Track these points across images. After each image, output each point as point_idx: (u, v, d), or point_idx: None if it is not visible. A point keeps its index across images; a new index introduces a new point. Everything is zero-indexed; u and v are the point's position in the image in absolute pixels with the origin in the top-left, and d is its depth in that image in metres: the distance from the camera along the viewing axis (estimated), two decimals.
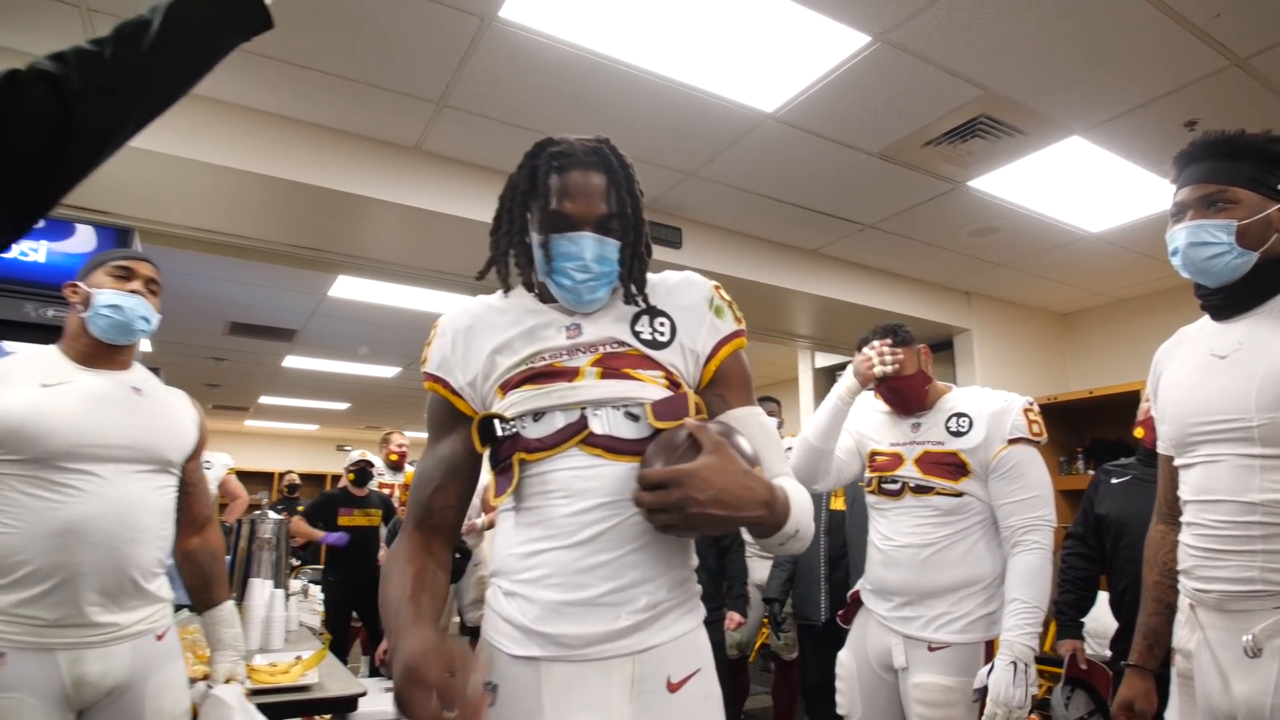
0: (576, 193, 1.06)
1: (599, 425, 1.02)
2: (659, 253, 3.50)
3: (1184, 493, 1.33)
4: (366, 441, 10.51)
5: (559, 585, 0.99)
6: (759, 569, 3.56)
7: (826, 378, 6.02)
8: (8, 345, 2.29)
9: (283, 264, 3.83)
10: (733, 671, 3.53)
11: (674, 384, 1.06)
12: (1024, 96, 2.81)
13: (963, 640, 1.81)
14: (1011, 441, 1.87)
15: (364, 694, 2.13)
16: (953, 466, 1.89)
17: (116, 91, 0.82)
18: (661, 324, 1.10)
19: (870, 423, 2.11)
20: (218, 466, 4.67)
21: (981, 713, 1.71)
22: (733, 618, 3.20)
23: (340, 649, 4.19)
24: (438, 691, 0.84)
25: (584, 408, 1.02)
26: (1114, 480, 2.43)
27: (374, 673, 3.81)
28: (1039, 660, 3.19)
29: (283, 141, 2.96)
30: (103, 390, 1.62)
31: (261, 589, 2.68)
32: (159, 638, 1.64)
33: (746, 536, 3.25)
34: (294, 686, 2.08)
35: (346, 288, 4.90)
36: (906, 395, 2.01)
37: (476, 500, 4.86)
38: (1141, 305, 5.00)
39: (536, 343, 1.08)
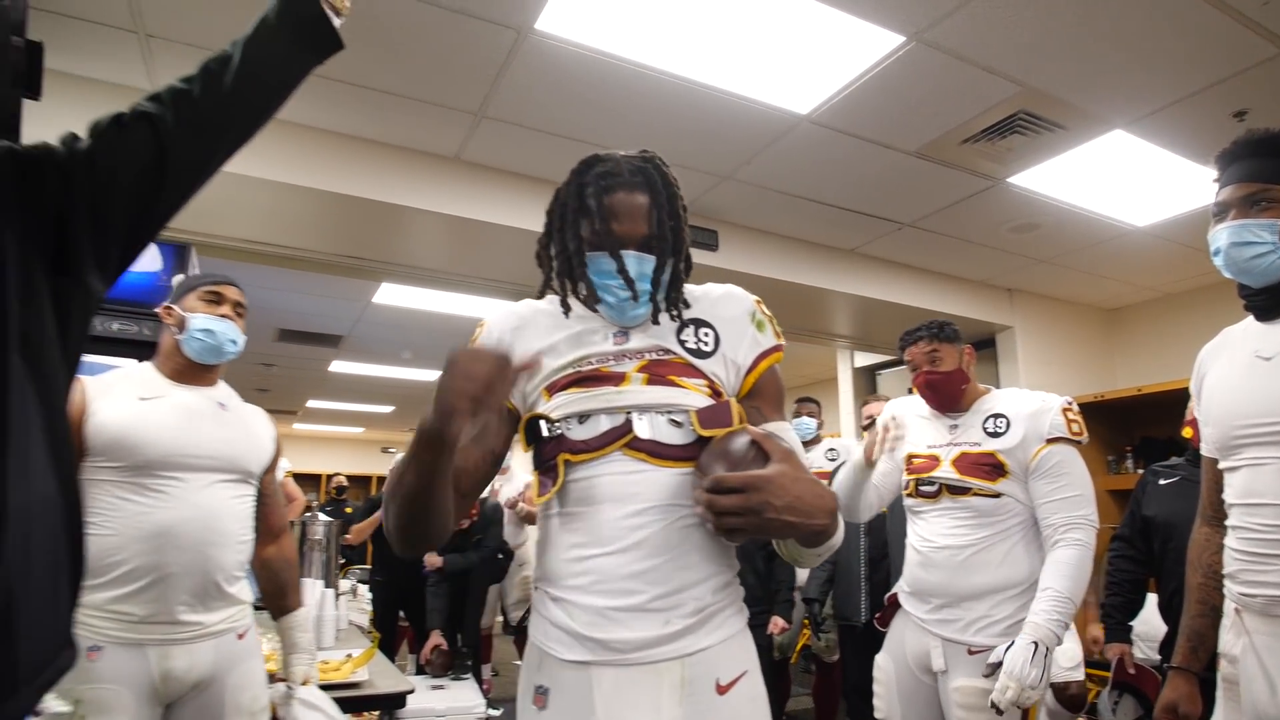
0: (622, 213, 1.09)
1: (644, 430, 1.04)
2: (695, 256, 3.52)
3: (1229, 496, 1.32)
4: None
5: (607, 591, 1.01)
6: (799, 571, 3.57)
7: (866, 377, 5.97)
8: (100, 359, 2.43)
9: (329, 273, 3.94)
10: (774, 672, 3.53)
11: (716, 393, 1.09)
12: (1063, 91, 2.77)
13: (1004, 643, 1.80)
14: (1050, 441, 1.85)
15: (411, 691, 2.19)
16: (990, 467, 1.88)
17: (206, 126, 0.89)
18: (706, 334, 1.13)
19: (907, 425, 2.10)
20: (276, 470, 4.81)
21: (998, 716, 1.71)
22: (776, 623, 3.20)
23: (388, 648, 4.30)
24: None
25: (629, 412, 1.05)
26: (1162, 481, 2.38)
27: (420, 671, 3.90)
28: (1089, 664, 3.14)
29: (329, 155, 3.05)
30: (193, 405, 1.74)
31: (313, 589, 2.77)
32: (240, 636, 1.74)
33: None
34: (344, 684, 2.15)
35: (390, 294, 5.02)
36: (942, 392, 2.00)
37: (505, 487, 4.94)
38: (1191, 300, 4.86)
39: (584, 347, 1.11)
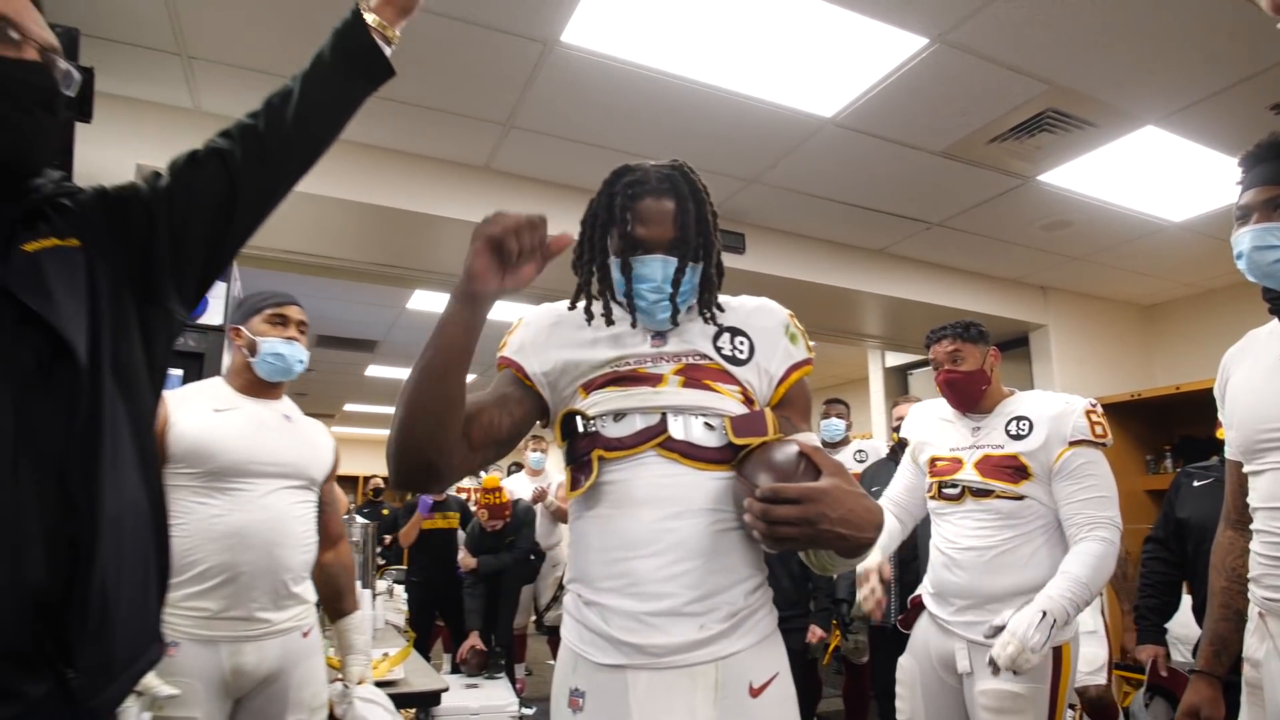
0: (649, 218, 1.12)
1: (678, 430, 1.06)
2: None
3: (1253, 500, 1.31)
4: None
5: (642, 594, 1.03)
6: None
7: (897, 377, 5.93)
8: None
9: (365, 281, 4.05)
10: (805, 673, 3.54)
11: (748, 400, 1.12)
12: (1092, 89, 2.74)
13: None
14: (1073, 444, 1.85)
15: (446, 689, 2.25)
16: (1013, 469, 1.88)
17: (271, 157, 0.96)
18: (741, 342, 1.15)
19: (930, 429, 2.11)
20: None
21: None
22: (815, 632, 3.19)
23: (423, 647, 4.38)
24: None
25: (664, 413, 1.07)
26: (1196, 483, 2.35)
27: (455, 670, 3.98)
28: (1120, 666, 3.10)
29: (364, 168, 3.14)
30: (262, 417, 1.86)
31: None
32: (304, 635, 1.84)
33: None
34: (381, 682, 2.21)
35: (423, 300, 5.14)
36: (962, 391, 2.01)
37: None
38: (1231, 295, 4.75)
39: (622, 348, 1.14)
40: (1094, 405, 1.91)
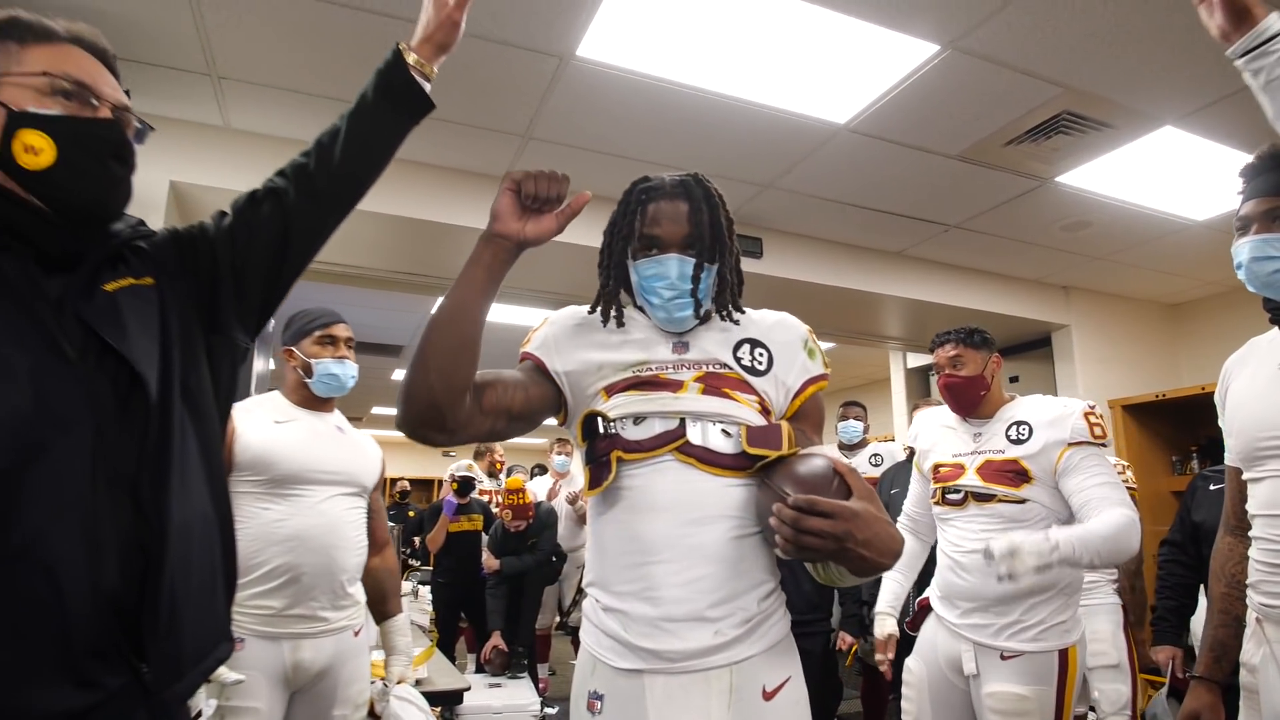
0: (662, 218, 1.18)
1: (695, 436, 1.10)
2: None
3: (1252, 507, 1.32)
4: (468, 448, 10.97)
5: (659, 599, 1.06)
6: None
7: (919, 378, 5.91)
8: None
9: (389, 289, 4.14)
10: (825, 674, 3.56)
11: (765, 410, 1.15)
12: (1107, 91, 2.74)
13: (1036, 649, 1.82)
14: (1073, 445, 1.87)
15: (468, 688, 2.32)
16: (1014, 474, 1.91)
17: (321, 193, 1.04)
18: (761, 354, 1.19)
19: (933, 436, 2.15)
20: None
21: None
22: (844, 639, 3.21)
23: (447, 647, 4.46)
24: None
25: (683, 418, 1.11)
26: (1212, 486, 2.34)
27: (479, 670, 4.06)
28: (1142, 670, 3.08)
29: (388, 180, 3.15)
30: (318, 429, 2.00)
31: None
32: (355, 634, 1.96)
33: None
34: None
35: None
36: (960, 396, 2.05)
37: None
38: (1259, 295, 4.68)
39: (644, 353, 1.18)
40: (1092, 407, 1.93)
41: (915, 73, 2.61)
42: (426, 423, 1.07)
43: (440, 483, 4.99)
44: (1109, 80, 2.67)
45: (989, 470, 1.94)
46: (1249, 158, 3.34)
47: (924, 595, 2.11)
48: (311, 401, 2.03)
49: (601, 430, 1.12)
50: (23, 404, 0.79)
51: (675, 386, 1.13)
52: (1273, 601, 1.26)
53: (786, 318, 1.25)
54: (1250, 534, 1.34)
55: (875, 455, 3.87)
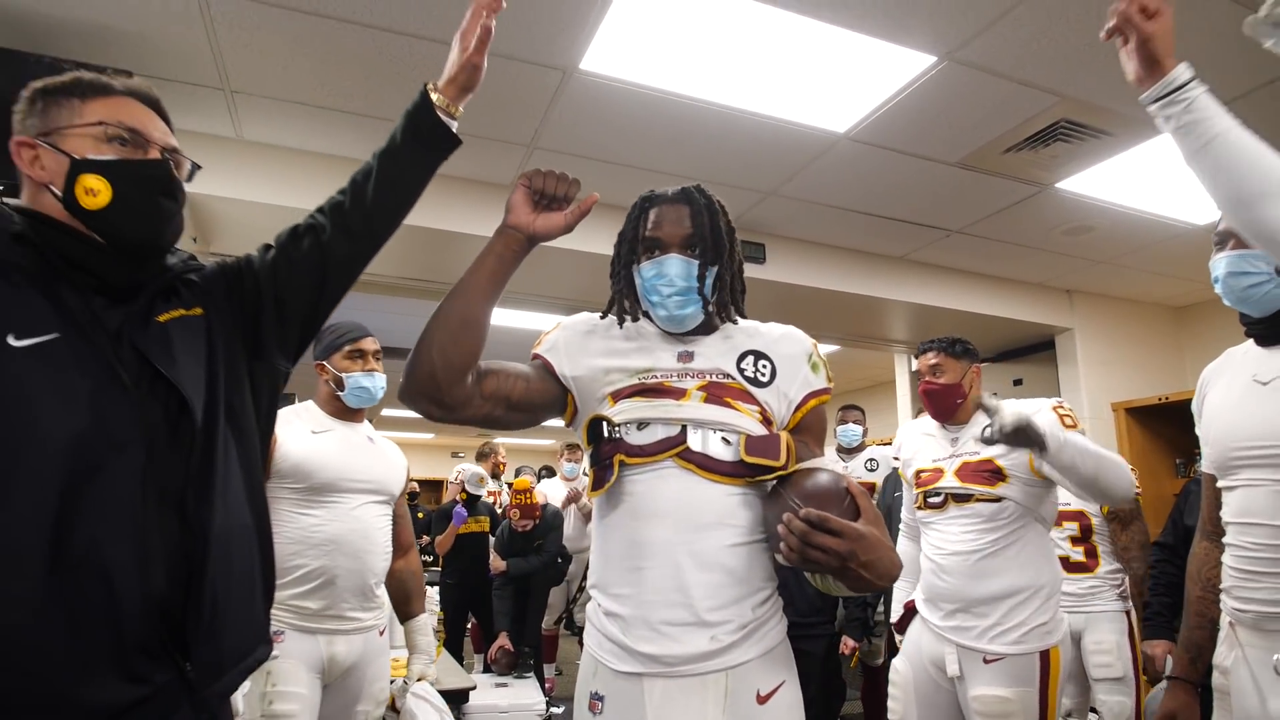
0: (663, 221, 1.24)
1: (696, 443, 1.14)
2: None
3: (1226, 514, 1.36)
4: (473, 444, 11.06)
5: (658, 603, 1.10)
6: None
7: None
8: None
9: (398, 295, 4.21)
10: (828, 676, 3.59)
11: (766, 420, 1.19)
12: (1104, 99, 2.77)
13: (1018, 651, 1.86)
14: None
15: (474, 688, 2.38)
16: (989, 473, 1.97)
17: (354, 229, 1.11)
18: (764, 366, 1.23)
19: (914, 445, 2.22)
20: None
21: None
22: (846, 643, 3.25)
23: (455, 647, 4.53)
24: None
25: (685, 425, 1.15)
26: None
27: (486, 669, 4.11)
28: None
29: None
30: (351, 439, 2.10)
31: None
32: (380, 633, 2.07)
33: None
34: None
35: None
36: (937, 402, 2.13)
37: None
38: None
39: (650, 360, 1.23)
40: (1060, 402, 1.99)
41: (913, 83, 2.65)
42: (424, 393, 1.13)
43: (446, 484, 5.06)
44: (1106, 89, 2.70)
45: (966, 471, 2.01)
46: None
47: (910, 598, 2.16)
48: (344, 412, 2.12)
49: (606, 434, 1.17)
50: (83, 427, 0.87)
51: (679, 394, 1.17)
52: (1243, 606, 1.30)
53: (793, 331, 1.29)
54: (1224, 540, 1.38)
55: (870, 460, 3.90)
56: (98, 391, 0.89)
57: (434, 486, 12.19)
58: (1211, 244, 1.41)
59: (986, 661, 1.89)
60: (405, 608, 2.24)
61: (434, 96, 1.12)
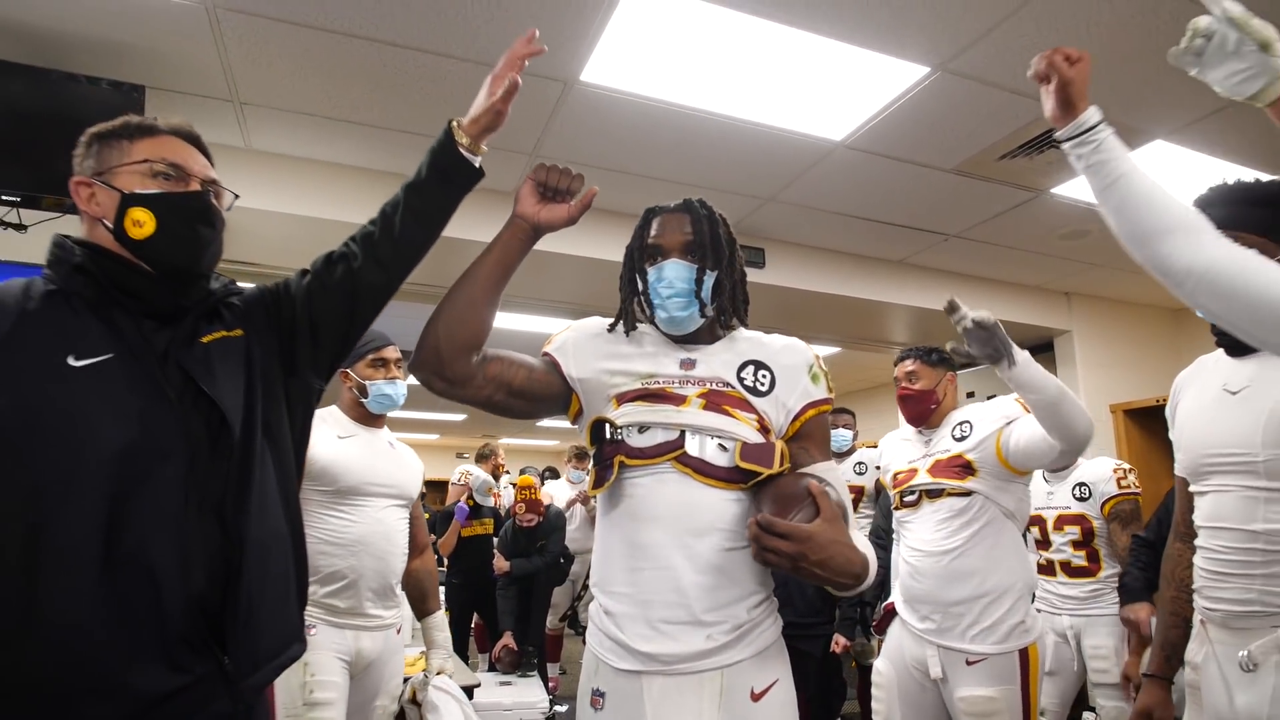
0: (664, 229, 1.30)
1: (694, 448, 1.18)
2: None
3: (1197, 518, 1.41)
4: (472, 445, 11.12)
5: (656, 603, 1.15)
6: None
7: None
8: None
9: (405, 299, 4.25)
10: (828, 676, 3.63)
11: (764, 429, 1.23)
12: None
13: (997, 651, 1.92)
14: (1009, 421, 2.01)
15: (478, 685, 2.44)
16: (959, 467, 2.04)
17: (384, 259, 1.19)
18: (764, 376, 1.27)
19: (892, 452, 2.32)
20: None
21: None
22: (838, 640, 3.30)
23: (460, 647, 4.59)
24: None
25: (683, 430, 1.19)
26: None
27: (491, 668, 4.17)
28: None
29: None
30: (373, 444, 2.18)
31: None
32: (397, 631, 2.16)
33: None
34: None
35: None
36: (911, 407, 2.22)
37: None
38: None
39: (654, 366, 1.28)
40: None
41: (907, 93, 2.70)
42: (429, 366, 1.21)
43: (449, 484, 5.14)
44: (1098, 98, 2.67)
45: (938, 467, 2.09)
46: (1240, 169, 3.42)
47: (889, 599, 2.22)
48: (366, 418, 2.20)
49: (608, 436, 1.22)
50: (132, 438, 0.95)
51: (679, 400, 1.21)
52: (1212, 605, 1.35)
53: (796, 343, 1.33)
54: (1196, 543, 1.43)
55: (859, 464, 3.94)
56: (146, 406, 0.97)
57: (439, 488, 12.26)
58: None
59: (969, 663, 1.94)
60: (422, 605, 2.33)
61: (458, 136, 1.19)
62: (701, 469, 1.17)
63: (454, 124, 1.20)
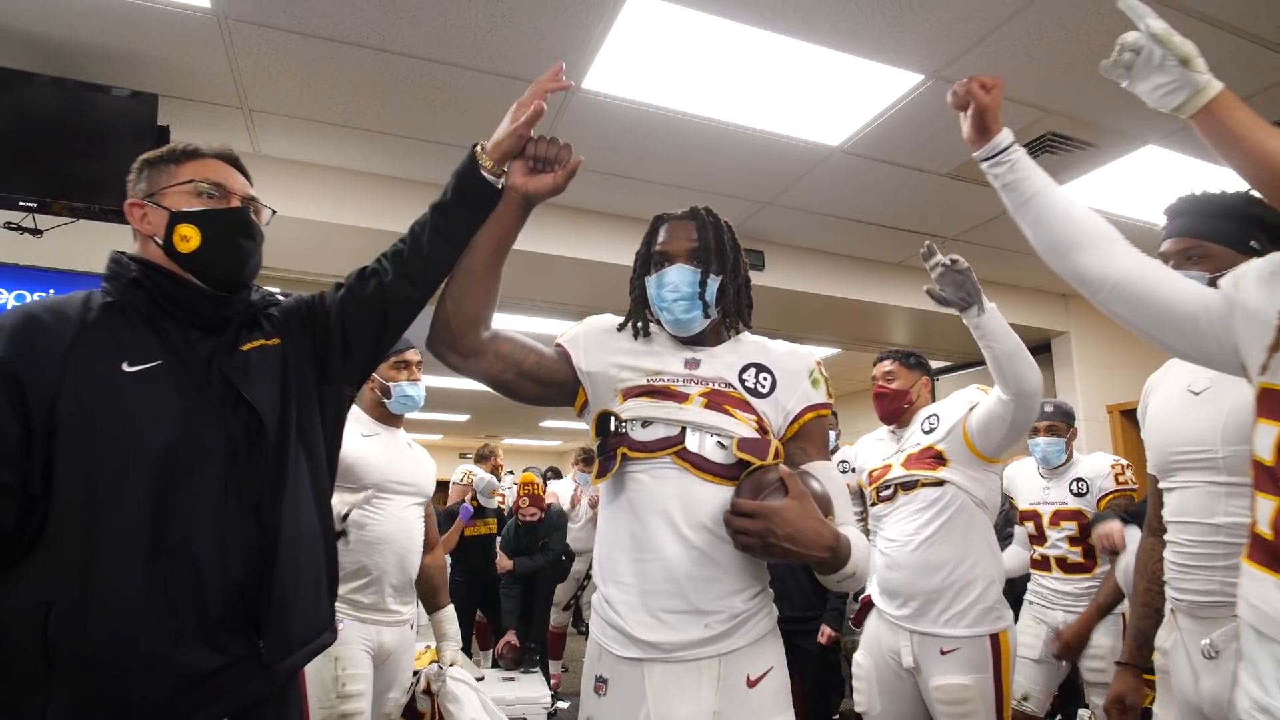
0: (670, 235, 1.35)
1: (693, 444, 1.23)
2: None
3: (1166, 513, 1.48)
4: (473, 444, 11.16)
5: (656, 593, 1.20)
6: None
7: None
8: None
9: None
10: (826, 672, 3.68)
11: (762, 429, 1.28)
12: (1088, 114, 2.87)
13: (970, 634, 1.98)
14: (972, 408, 2.07)
15: (482, 678, 2.49)
16: (931, 458, 2.11)
17: (412, 274, 1.26)
18: (765, 378, 1.32)
19: (866, 453, 2.39)
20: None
21: None
22: (824, 631, 3.35)
23: (463, 643, 4.64)
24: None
25: (684, 427, 1.24)
26: None
27: (494, 665, 4.23)
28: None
29: (410, 201, 3.41)
30: (394, 443, 2.25)
31: None
32: (411, 627, 2.24)
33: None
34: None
35: None
36: (885, 406, 2.31)
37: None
38: None
39: (660, 364, 1.33)
40: (984, 388, 2.13)
41: (902, 100, 2.76)
42: (442, 340, 1.28)
43: (449, 484, 5.20)
44: (1090, 104, 2.80)
45: (910, 460, 2.16)
46: (1231, 174, 3.46)
47: (866, 592, 2.28)
48: (387, 418, 2.27)
49: (613, 428, 1.28)
50: (178, 438, 1.04)
51: (682, 398, 1.26)
52: (1181, 596, 1.42)
53: (799, 349, 1.38)
54: (1165, 537, 1.49)
55: (842, 462, 3.99)
56: (191, 409, 1.06)
57: (442, 487, 12.35)
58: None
59: (943, 652, 2.00)
60: (433, 600, 2.41)
61: (481, 158, 1.26)
62: (700, 464, 1.22)
63: (478, 148, 1.27)
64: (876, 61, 2.54)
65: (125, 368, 1.04)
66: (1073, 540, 2.80)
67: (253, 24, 2.35)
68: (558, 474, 7.35)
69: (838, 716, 4.03)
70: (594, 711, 1.26)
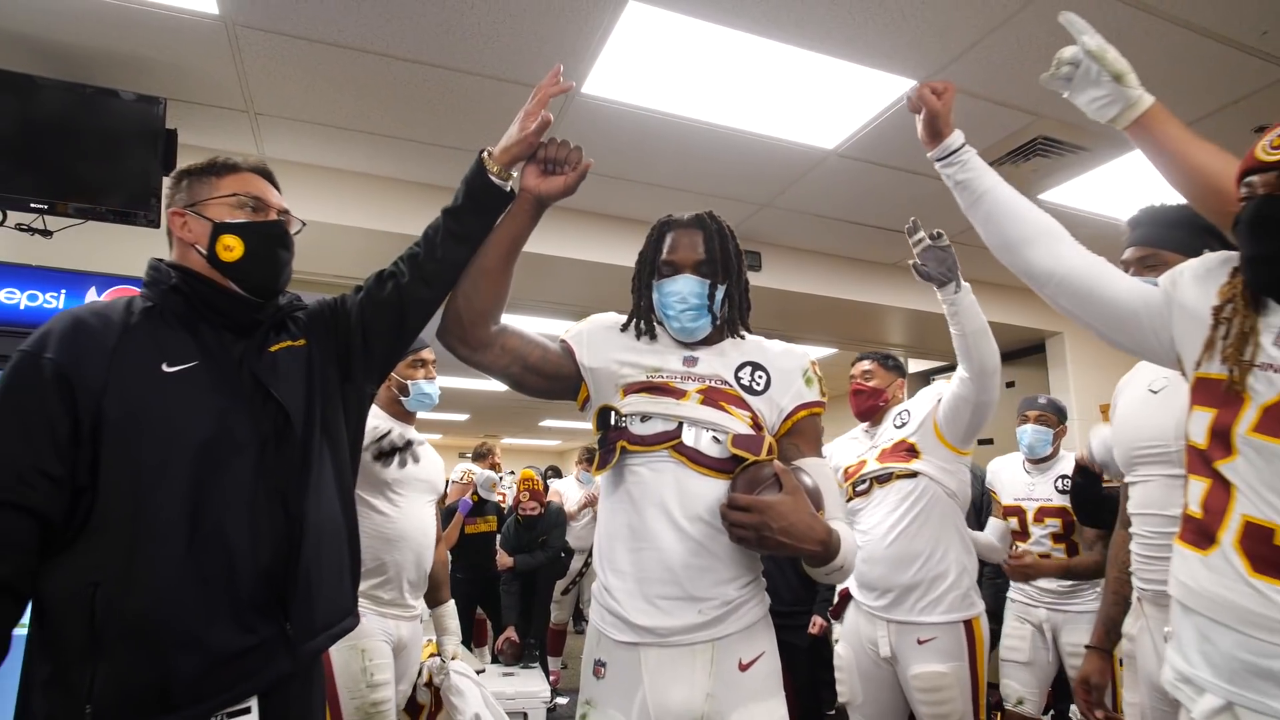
0: (678, 245, 1.40)
1: (689, 438, 1.28)
2: None
3: (1130, 506, 1.54)
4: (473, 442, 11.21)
5: (653, 580, 1.26)
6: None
7: (920, 382, 6.07)
8: None
9: None
10: (819, 666, 3.71)
11: (757, 425, 1.33)
12: (1079, 117, 2.85)
13: (945, 620, 2.05)
14: (940, 400, 2.17)
15: (483, 671, 2.55)
16: (904, 451, 2.19)
17: (427, 276, 1.32)
18: (760, 376, 1.38)
19: (841, 451, 2.46)
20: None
21: None
22: (816, 622, 3.40)
23: (463, 639, 4.69)
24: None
25: (681, 422, 1.30)
26: None
27: (494, 660, 4.28)
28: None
29: (414, 204, 3.48)
30: (410, 442, 2.29)
31: None
32: (420, 621, 2.31)
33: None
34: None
35: None
36: (861, 403, 2.41)
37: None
38: None
39: (660, 361, 1.38)
40: (948, 377, 2.21)
41: (896, 104, 2.81)
42: (452, 332, 1.34)
43: (449, 482, 5.26)
44: (1079, 109, 2.84)
45: (884, 455, 2.24)
46: None
47: (844, 586, 2.35)
48: (402, 415, 2.33)
49: (613, 422, 1.33)
50: (212, 433, 1.11)
51: (679, 395, 1.32)
52: (1146, 585, 1.49)
53: (794, 349, 1.43)
54: (1130, 530, 1.55)
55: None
56: (225, 407, 1.13)
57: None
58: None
59: (920, 642, 2.07)
60: (436, 594, 2.47)
61: (488, 164, 1.31)
62: (696, 458, 1.27)
63: (485, 154, 1.32)
64: (870, 67, 2.59)
65: (165, 368, 1.11)
66: (1056, 537, 2.80)
67: (259, 30, 2.40)
68: (558, 473, 7.40)
69: (833, 712, 4.08)
70: (593, 694, 1.32)
